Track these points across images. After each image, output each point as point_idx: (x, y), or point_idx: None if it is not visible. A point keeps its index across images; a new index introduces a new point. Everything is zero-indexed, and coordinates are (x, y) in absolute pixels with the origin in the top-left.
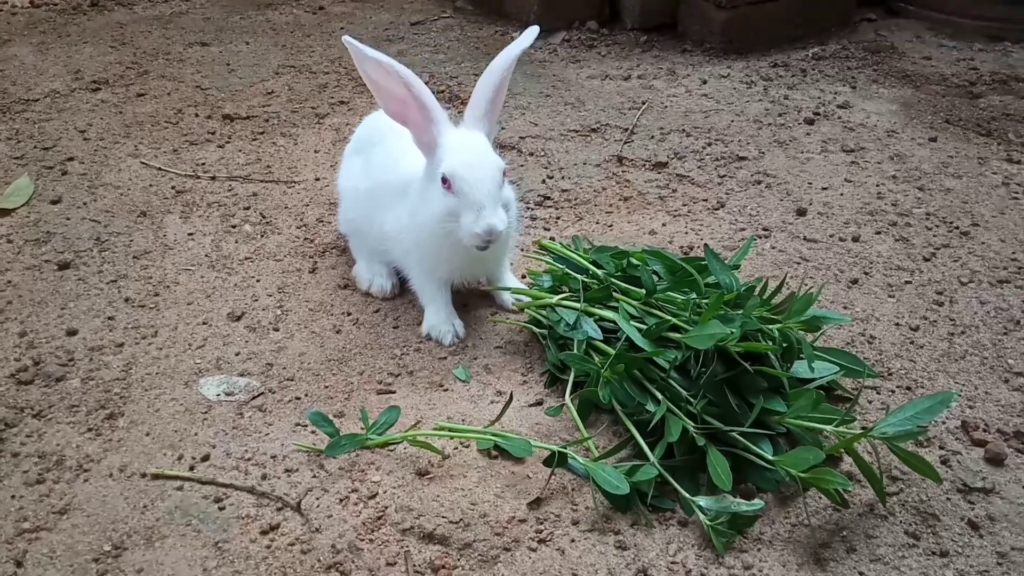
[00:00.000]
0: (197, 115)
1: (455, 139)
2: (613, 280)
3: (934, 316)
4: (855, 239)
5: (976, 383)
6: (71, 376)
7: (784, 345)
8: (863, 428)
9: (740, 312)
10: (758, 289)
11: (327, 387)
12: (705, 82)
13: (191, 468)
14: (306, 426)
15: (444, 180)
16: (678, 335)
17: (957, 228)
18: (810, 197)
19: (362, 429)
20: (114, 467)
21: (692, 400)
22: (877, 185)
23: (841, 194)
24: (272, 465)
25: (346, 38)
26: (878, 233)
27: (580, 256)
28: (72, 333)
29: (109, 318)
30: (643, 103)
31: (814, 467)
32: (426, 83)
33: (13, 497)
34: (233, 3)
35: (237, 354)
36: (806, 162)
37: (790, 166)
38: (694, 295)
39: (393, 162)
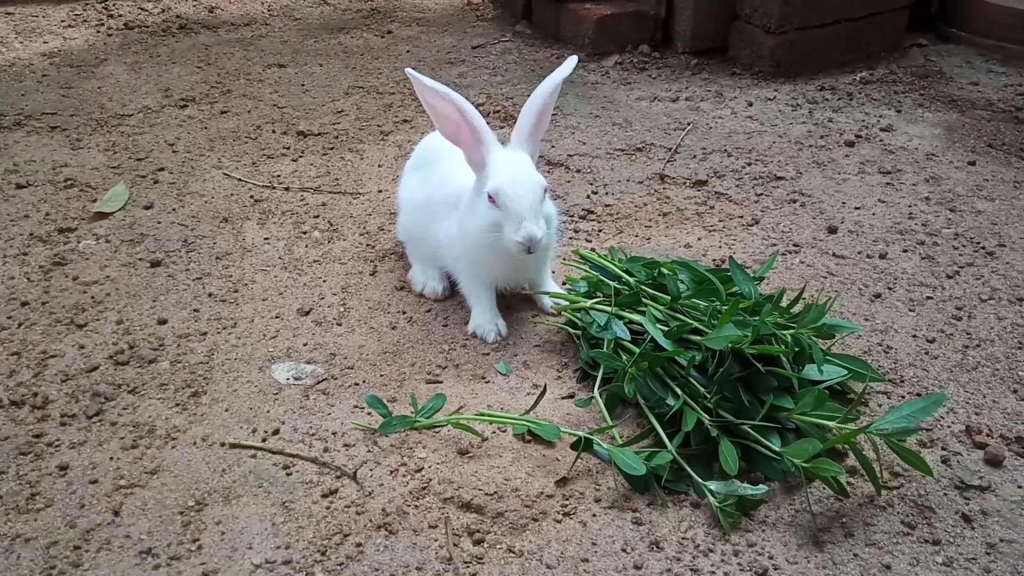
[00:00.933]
0: (274, 131)
1: (501, 159)
2: (643, 287)
3: (951, 330)
4: (882, 256)
5: (985, 392)
6: (161, 359)
7: (796, 349)
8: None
9: (755, 319)
10: (776, 299)
11: (382, 376)
12: (751, 104)
13: (263, 440)
14: (363, 408)
15: (490, 196)
16: (698, 337)
17: (983, 248)
18: (843, 216)
19: (412, 413)
20: (197, 437)
21: (708, 396)
22: (909, 206)
23: (873, 214)
24: (333, 440)
25: (408, 70)
26: (905, 251)
27: (614, 265)
28: (162, 322)
29: (195, 310)
30: (688, 124)
31: (814, 457)
32: (483, 103)
33: (111, 459)
34: (309, 27)
35: (305, 344)
36: (842, 183)
37: (826, 186)
38: (716, 303)
39: (447, 179)
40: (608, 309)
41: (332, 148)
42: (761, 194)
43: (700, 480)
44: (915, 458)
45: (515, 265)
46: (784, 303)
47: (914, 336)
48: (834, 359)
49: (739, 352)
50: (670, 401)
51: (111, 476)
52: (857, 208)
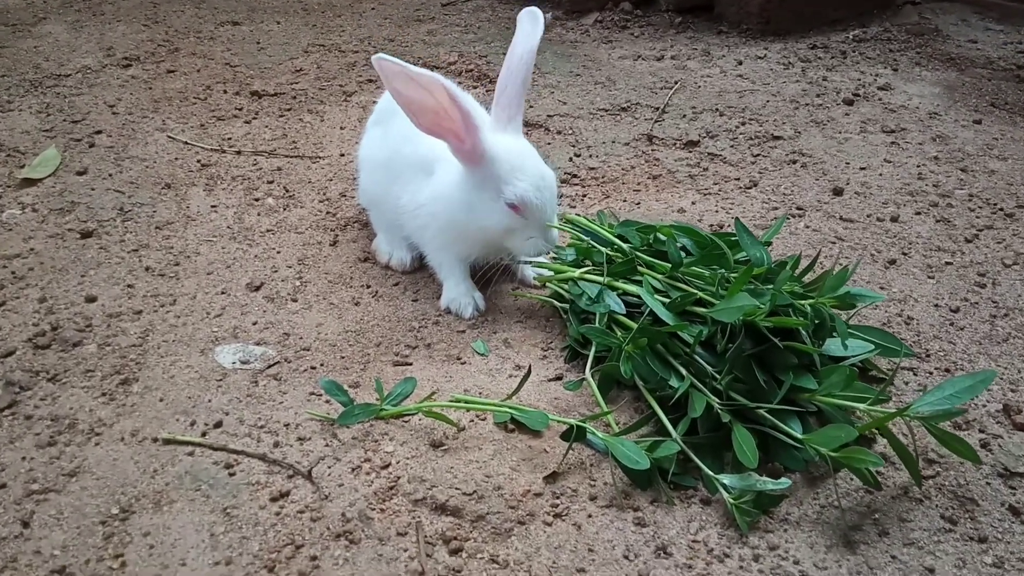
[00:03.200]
0: (226, 92)
1: (508, 152)
2: (638, 253)
3: (975, 298)
4: (894, 219)
5: (1020, 366)
6: (88, 341)
7: (816, 322)
8: (898, 408)
9: (770, 287)
10: (793, 264)
11: (343, 358)
12: (741, 63)
13: (203, 434)
14: (320, 395)
15: (513, 205)
16: (704, 309)
17: (1001, 210)
18: (847, 177)
19: (377, 400)
20: (126, 431)
21: (717, 376)
22: (918, 166)
23: (880, 174)
24: (285, 433)
25: (377, 57)
26: (918, 214)
27: (605, 230)
28: (91, 300)
29: (129, 286)
30: (676, 83)
31: (846, 445)
32: (455, 62)
33: (24, 459)
34: None
35: (254, 323)
36: (844, 142)
37: (827, 146)
38: (723, 271)
39: (413, 136)
40: (600, 279)
41: (289, 109)
42: (758, 155)
43: (711, 473)
44: (962, 445)
45: (482, 249)
46: (796, 270)
47: (936, 306)
48: (857, 332)
49: (752, 325)
50: (674, 382)
51: (22, 480)
52: (862, 168)
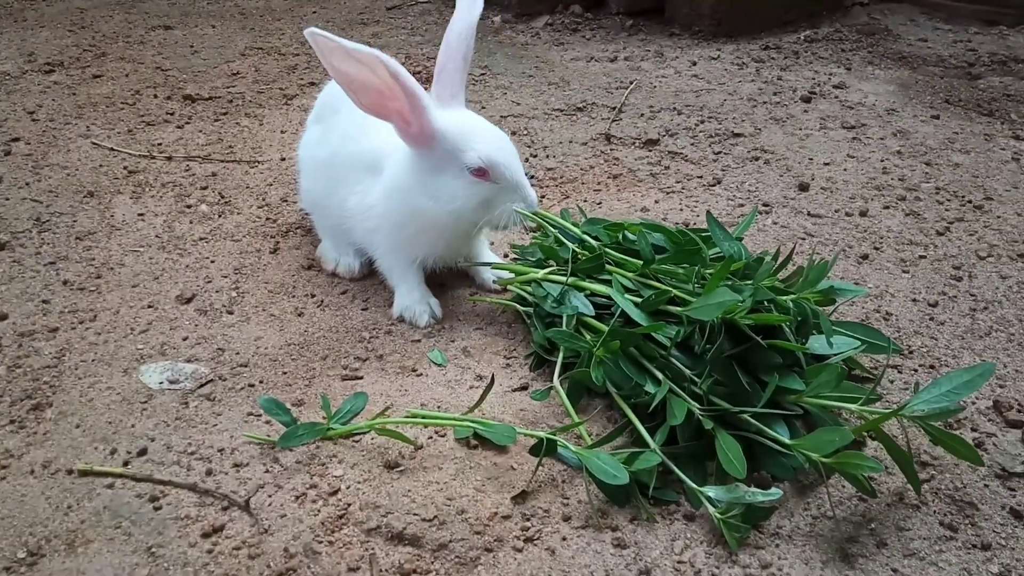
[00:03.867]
0: (156, 96)
1: (458, 123)
2: (607, 250)
3: (953, 291)
4: (862, 214)
5: (1005, 360)
6: None
7: (799, 318)
8: (887, 407)
9: (749, 283)
10: (773, 258)
11: (286, 373)
12: (695, 64)
13: (125, 464)
14: (259, 416)
15: (479, 171)
16: (678, 308)
17: (970, 202)
18: (812, 172)
19: (324, 418)
20: (36, 463)
21: (696, 380)
22: (882, 160)
23: (845, 169)
24: (219, 459)
25: (310, 30)
26: (887, 208)
27: (571, 226)
28: (1, 318)
29: (44, 302)
30: (631, 83)
31: (840, 450)
32: (402, 64)
33: None
34: None
35: (185, 339)
36: (805, 138)
37: (789, 142)
38: (698, 267)
39: (358, 131)
40: (565, 279)
41: (225, 113)
42: (720, 152)
43: (695, 486)
44: (962, 445)
45: (458, 239)
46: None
47: (914, 300)
48: (841, 328)
49: (731, 324)
50: (650, 388)
51: None
52: (826, 164)
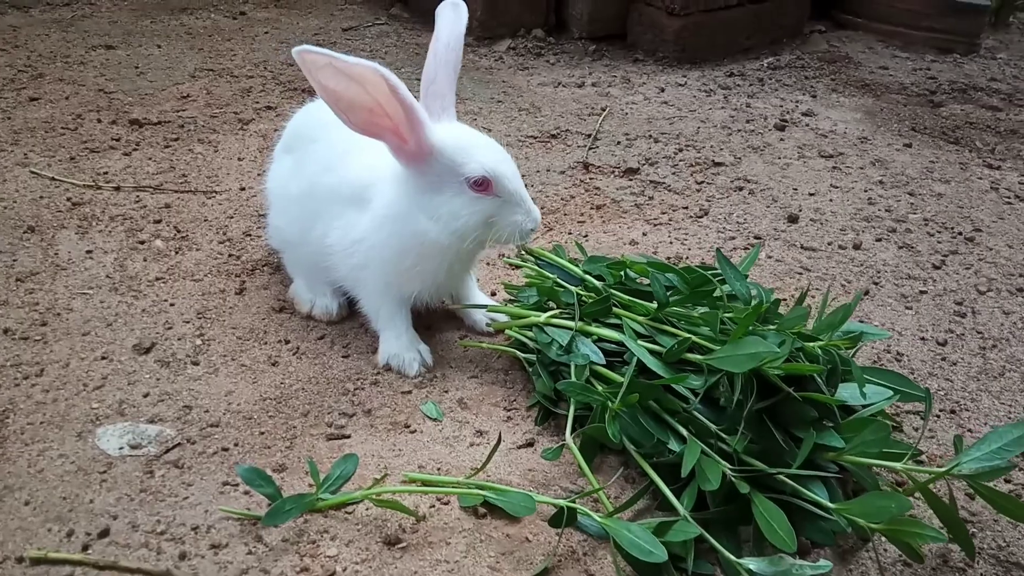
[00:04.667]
0: (100, 120)
1: (455, 137)
2: (614, 292)
3: (960, 329)
4: (856, 247)
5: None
6: None
7: (828, 367)
8: (927, 463)
9: (772, 328)
10: (799, 299)
11: (263, 434)
12: (663, 90)
13: (85, 548)
14: (237, 485)
15: (481, 184)
16: (699, 357)
17: (960, 234)
18: (799, 203)
19: (310, 487)
20: None
21: (723, 436)
22: (866, 191)
23: (831, 200)
24: (193, 540)
25: (300, 48)
26: (879, 240)
27: (571, 265)
28: None
29: None
30: (603, 109)
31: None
32: None
33: None
34: (143, 6)
35: (146, 395)
36: (786, 168)
37: (771, 172)
38: (720, 312)
39: (337, 161)
40: (571, 324)
41: (176, 139)
42: (703, 182)
43: (733, 558)
44: (1013, 504)
45: (452, 270)
46: (780, 308)
47: (922, 339)
48: (871, 376)
49: (759, 374)
50: (673, 445)
51: None
52: (812, 194)
